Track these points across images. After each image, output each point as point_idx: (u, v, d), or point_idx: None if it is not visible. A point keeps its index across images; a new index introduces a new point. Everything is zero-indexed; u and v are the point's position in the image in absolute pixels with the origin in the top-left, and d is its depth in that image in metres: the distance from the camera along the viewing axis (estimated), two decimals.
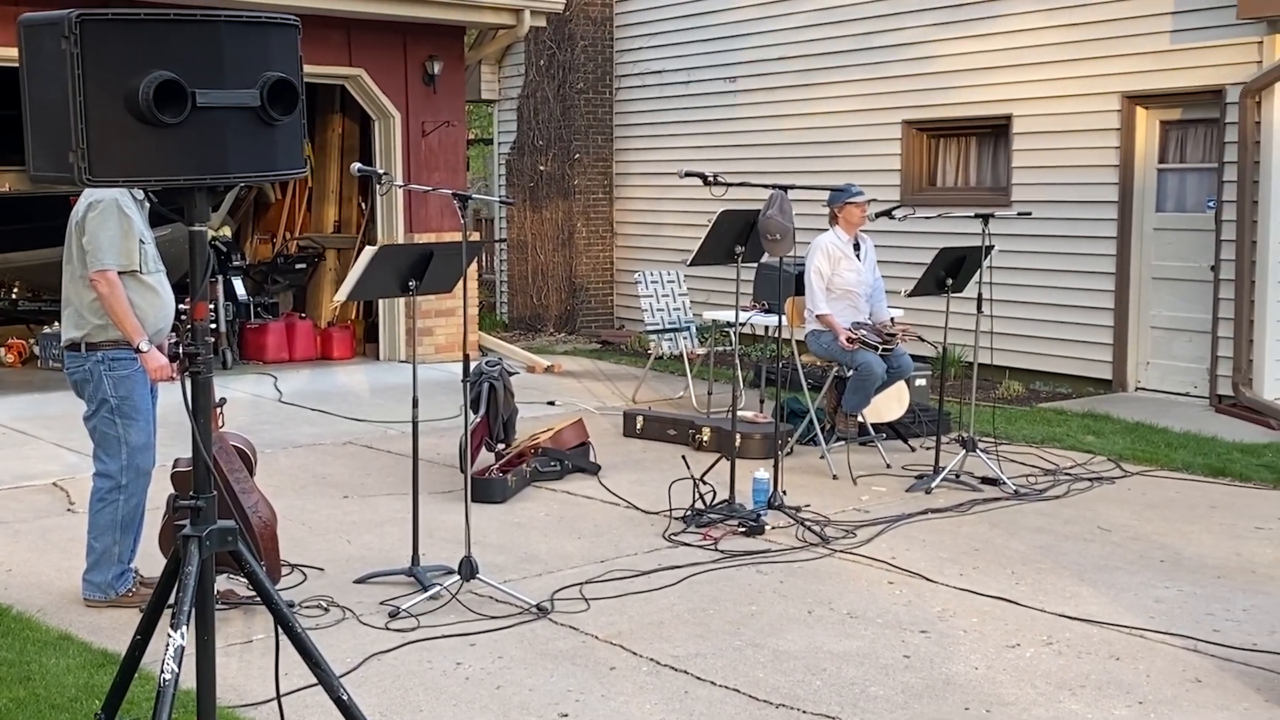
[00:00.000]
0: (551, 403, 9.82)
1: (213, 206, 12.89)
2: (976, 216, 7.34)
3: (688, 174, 6.31)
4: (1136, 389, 10.27)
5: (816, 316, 7.87)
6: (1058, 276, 10.53)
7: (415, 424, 5.39)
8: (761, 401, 9.05)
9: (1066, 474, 7.59)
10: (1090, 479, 7.49)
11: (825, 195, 8.02)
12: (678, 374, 10.94)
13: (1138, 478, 7.59)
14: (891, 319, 8.13)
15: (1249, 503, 6.97)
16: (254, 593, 3.86)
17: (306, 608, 5.06)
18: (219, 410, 5.10)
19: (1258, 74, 9.07)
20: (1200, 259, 9.81)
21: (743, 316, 9.00)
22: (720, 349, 10.71)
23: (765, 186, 6.60)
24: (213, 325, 11.08)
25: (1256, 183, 9.22)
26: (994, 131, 11.04)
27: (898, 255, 10.93)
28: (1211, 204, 9.71)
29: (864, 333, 7.73)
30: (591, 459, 7.56)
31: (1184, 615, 5.11)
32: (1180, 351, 10.00)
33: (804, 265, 8.04)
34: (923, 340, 8.21)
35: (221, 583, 4.97)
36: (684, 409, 9.53)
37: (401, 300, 11.25)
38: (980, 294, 7.41)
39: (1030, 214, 8.11)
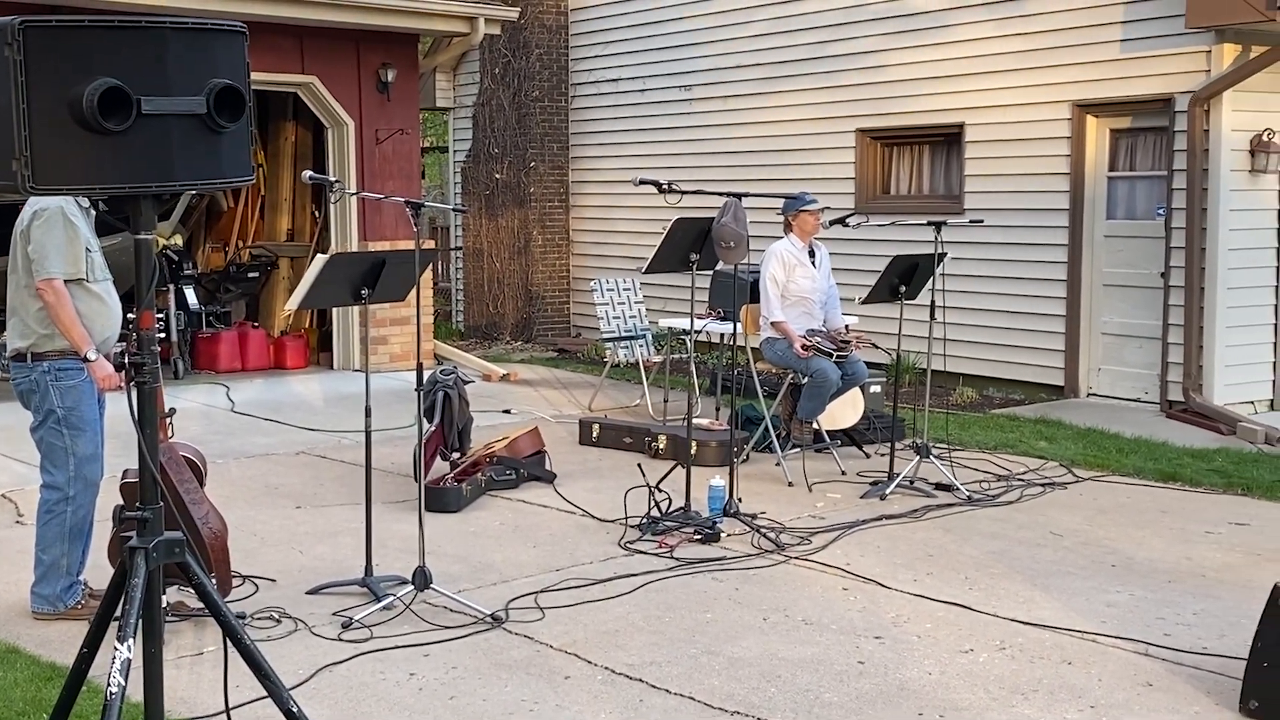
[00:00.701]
0: (507, 411, 9.80)
1: (163, 214, 12.74)
2: (929, 224, 7.35)
3: (642, 182, 6.31)
4: (1088, 395, 10.33)
5: (771, 324, 7.88)
6: (1010, 284, 10.60)
7: (368, 433, 5.36)
8: (717, 409, 9.06)
9: (1019, 480, 7.62)
10: (1043, 484, 7.51)
11: (780, 203, 8.05)
12: (634, 382, 10.92)
13: (1090, 483, 7.63)
14: (846, 326, 8.16)
15: (1199, 507, 7.01)
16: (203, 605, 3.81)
17: (258, 619, 5.02)
18: (168, 420, 5.06)
19: (1206, 82, 9.16)
20: (1150, 265, 9.88)
21: (698, 324, 9.02)
22: (676, 357, 10.71)
23: (720, 194, 6.60)
24: (161, 335, 10.96)
25: (1205, 190, 9.30)
26: (946, 140, 11.10)
27: (852, 263, 10.97)
28: (1161, 211, 9.78)
29: (819, 340, 7.75)
30: (547, 467, 7.53)
31: (1135, 619, 5.13)
32: (1131, 357, 10.03)
33: (759, 273, 8.05)
34: (877, 347, 8.25)
35: (173, 594, 4.93)
36: (640, 417, 9.53)
37: (356, 309, 11.21)
38: (933, 301, 7.40)
39: (982, 221, 8.15)
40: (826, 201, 8.30)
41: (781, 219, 8.08)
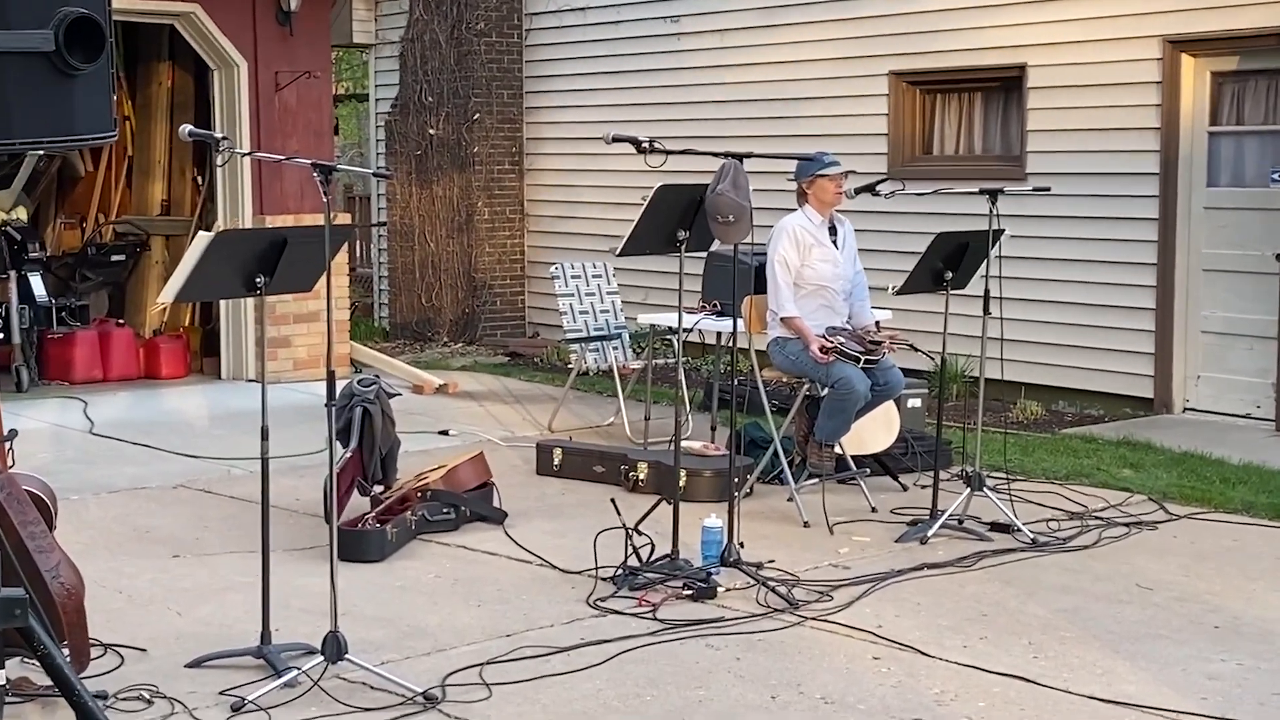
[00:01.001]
0: (445, 432, 9.84)
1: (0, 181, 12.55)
2: (982, 193, 7.34)
3: (616, 139, 6.35)
4: (1185, 410, 10.39)
5: (781, 320, 7.89)
6: (1085, 268, 10.65)
7: (265, 461, 5.34)
8: (713, 429, 8.92)
9: (1097, 517, 7.67)
10: (1127, 524, 7.55)
11: (791, 166, 8.03)
12: (606, 394, 10.90)
13: (1186, 522, 7.67)
14: (876, 323, 8.13)
15: None
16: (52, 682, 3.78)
17: (123, 700, 4.99)
18: (7, 446, 5.01)
19: None
20: (1263, 246, 9.93)
21: (688, 321, 8.85)
22: (660, 362, 10.70)
23: (715, 155, 6.61)
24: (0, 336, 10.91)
25: None
26: (1004, 86, 11.15)
27: (884, 242, 11.01)
28: (1277, 176, 9.84)
29: (842, 340, 7.74)
30: (495, 504, 7.56)
31: (1246, 696, 5.14)
32: (1239, 363, 10.11)
33: (765, 255, 8.05)
34: (916, 350, 8.23)
35: (14, 668, 4.88)
36: (615, 439, 9.53)
37: (249, 302, 11.15)
38: (988, 291, 7.38)
39: (1049, 190, 8.19)
40: (851, 164, 8.22)
41: (794, 186, 8.07)
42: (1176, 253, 10.30)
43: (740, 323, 7.49)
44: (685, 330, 8.11)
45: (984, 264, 7.54)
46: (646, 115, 13.01)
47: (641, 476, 8.14)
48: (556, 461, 8.57)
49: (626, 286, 11.51)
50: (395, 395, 7.74)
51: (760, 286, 8.20)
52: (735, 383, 7.11)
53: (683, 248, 6.68)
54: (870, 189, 7.73)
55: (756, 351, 8.65)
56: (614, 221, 12.92)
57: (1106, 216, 10.55)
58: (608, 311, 10.45)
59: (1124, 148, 10.43)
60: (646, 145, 6.31)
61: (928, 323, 10.22)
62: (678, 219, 6.69)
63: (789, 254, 7.90)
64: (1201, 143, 10.23)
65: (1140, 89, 10.32)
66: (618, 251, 6.89)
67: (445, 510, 7.30)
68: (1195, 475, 8.53)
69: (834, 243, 8.01)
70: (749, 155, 6.65)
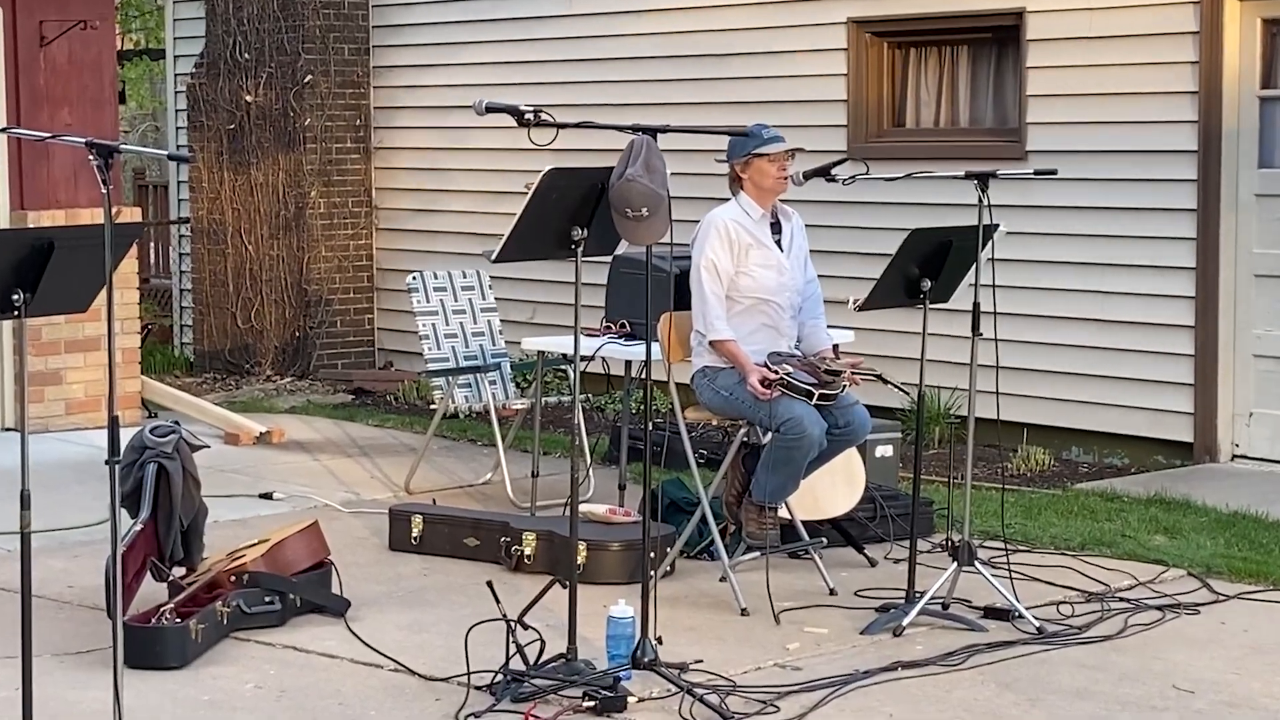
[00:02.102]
0: (268, 495, 9.83)
1: None
2: (969, 178, 7.36)
3: (491, 109, 6.36)
4: (1233, 457, 10.45)
5: (709, 345, 7.89)
6: (1103, 275, 10.70)
7: (26, 536, 5.27)
8: (621, 488, 9.03)
9: (1122, 599, 7.68)
10: (1161, 606, 7.55)
11: (722, 144, 8.00)
12: (482, 443, 10.91)
13: (1237, 603, 7.68)
14: (835, 347, 8.13)
15: None
16: None
17: None
18: None
19: None
20: None
21: (588, 346, 8.97)
22: (552, 400, 10.69)
23: (622, 129, 6.62)
24: None
25: None
26: (996, 39, 11.22)
27: (843, 241, 10.98)
28: None
29: (789, 370, 7.72)
30: (335, 590, 7.50)
31: None
32: None
33: (688, 259, 8.05)
34: (886, 382, 8.21)
35: None
36: (493, 502, 9.52)
37: (5, 327, 11.04)
38: (977, 305, 7.39)
39: (1055, 172, 8.17)
40: (800, 140, 8.23)
41: (725, 170, 8.06)
42: (1220, 253, 10.34)
43: (656, 348, 7.39)
44: (584, 359, 8.04)
45: (972, 270, 7.55)
46: (532, 77, 13.02)
47: (528, 552, 8.12)
48: (416, 533, 8.55)
49: (507, 302, 11.46)
50: (201, 448, 7.69)
51: (683, 300, 8.18)
52: (650, 427, 7.03)
53: (579, 251, 6.67)
54: (824, 172, 7.78)
55: (678, 385, 8.49)
56: (490, 217, 12.89)
57: (1130, 207, 10.59)
58: (482, 335, 10.42)
59: (1151, 117, 10.48)
60: (531, 117, 6.32)
61: (901, 346, 10.39)
62: (572, 214, 6.68)
63: (719, 257, 7.88)
64: (1251, 111, 10.27)
65: (1172, 42, 10.37)
66: (494, 256, 6.87)
67: (268, 599, 7.23)
68: (1248, 543, 8.55)
69: (778, 243, 8.01)
70: (665, 129, 6.62)
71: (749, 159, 7.91)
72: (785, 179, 7.95)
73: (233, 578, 7.25)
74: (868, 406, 8.05)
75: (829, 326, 8.26)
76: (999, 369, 7.83)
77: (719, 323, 7.87)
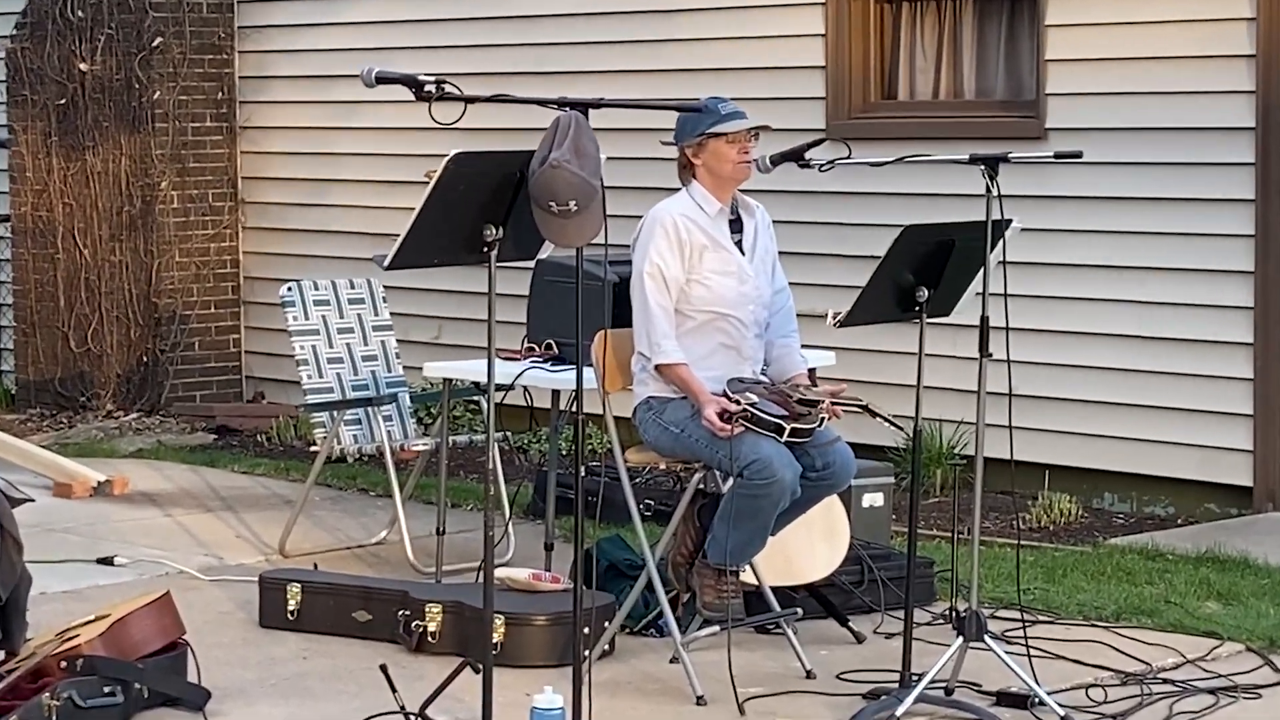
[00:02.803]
0: (108, 560, 9.78)
1: None
2: (975, 163, 7.34)
3: (383, 80, 6.34)
4: None
5: (656, 369, 7.88)
6: (1141, 281, 10.75)
7: None
8: (548, 548, 9.07)
9: (1166, 680, 7.68)
10: (1213, 689, 7.55)
11: (669, 121, 8.01)
12: (375, 493, 11.03)
13: None
14: (810, 372, 8.17)
15: None
16: None
17: None
18: None
19: None
20: None
21: (506, 372, 8.98)
22: (463, 439, 10.78)
23: (546, 104, 6.60)
24: None
25: None
26: None
27: (820, 241, 11.05)
28: None
29: (755, 400, 7.67)
30: (192, 677, 7.45)
31: None
32: None
33: (628, 265, 8.09)
34: (874, 415, 8.02)
35: None
36: (388, 567, 9.58)
37: None
38: (986, 320, 7.34)
39: (1080, 156, 8.13)
40: (766, 116, 8.18)
41: (674, 154, 8.02)
42: None
43: (590, 374, 7.50)
44: (501, 388, 8.15)
45: (979, 277, 7.54)
46: (435, 39, 13.14)
47: (432, 628, 8.12)
48: (293, 605, 8.55)
49: (406, 318, 11.58)
50: (24, 501, 7.70)
51: (622, 316, 8.19)
52: (583, 472, 6.93)
53: (493, 255, 6.68)
54: (796, 156, 7.77)
55: (617, 420, 8.39)
56: (383, 213, 12.96)
57: (1172, 197, 10.63)
58: (375, 359, 10.44)
59: (1199, 87, 10.52)
60: (432, 89, 6.31)
61: (892, 370, 10.36)
62: (484, 209, 6.71)
63: (667, 262, 7.84)
64: None
65: None
66: (387, 262, 6.93)
67: (108, 689, 7.13)
68: None
69: (739, 244, 8.01)
70: (599, 104, 6.64)
71: (703, 140, 7.89)
72: (748, 165, 7.94)
73: (64, 663, 7.17)
74: (852, 444, 8.03)
75: (803, 346, 8.26)
76: (1013, 397, 7.77)
77: (667, 342, 7.85)
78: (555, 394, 9.36)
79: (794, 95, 11.58)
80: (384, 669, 6.84)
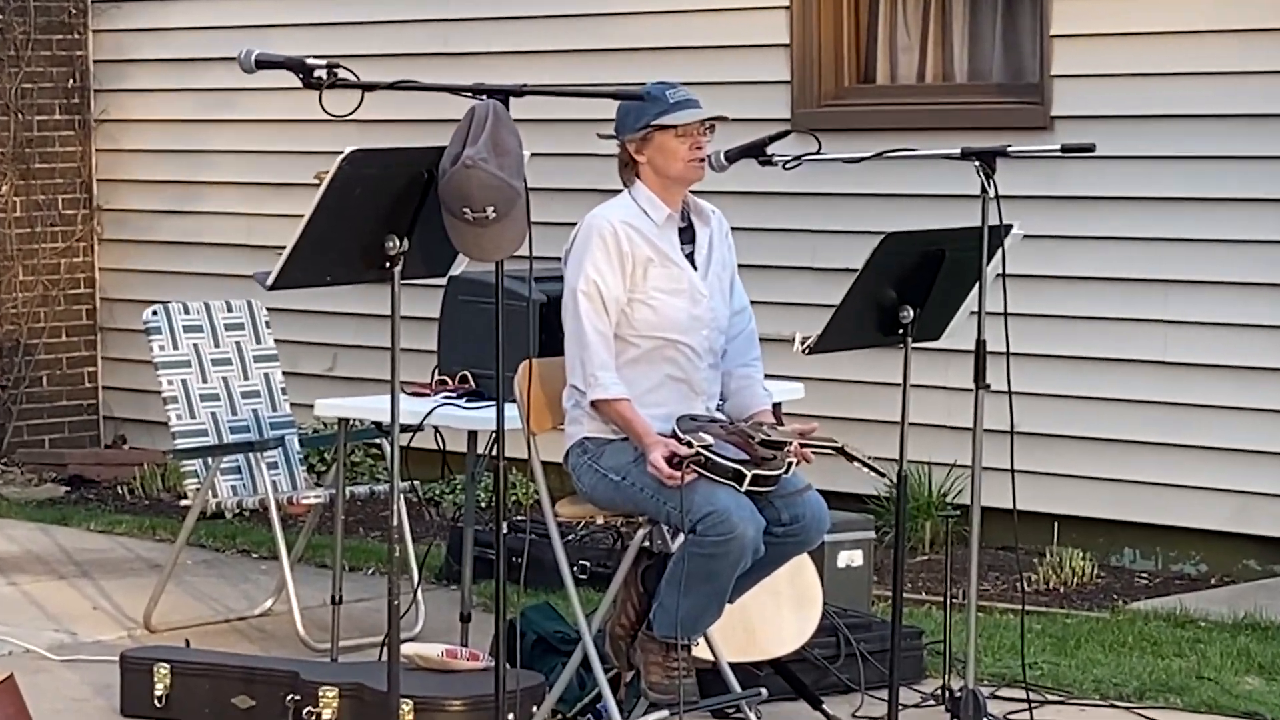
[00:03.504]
0: None
1: None
2: (967, 158, 7.41)
3: (264, 64, 6.38)
4: None
5: (591, 406, 7.86)
6: (1166, 297, 10.77)
7: None
8: (465, 619, 9.09)
9: None
10: None
11: (608, 112, 8.00)
12: (258, 555, 11.05)
13: None
14: (775, 407, 8.17)
15: None
16: None
17: None
18: None
19: None
20: None
21: (414, 409, 9.02)
22: (362, 490, 10.58)
23: (458, 91, 6.71)
24: None
25: None
26: None
27: (786, 252, 11.14)
28: None
29: (709, 440, 7.66)
30: None
31: None
32: None
33: (559, 284, 8.08)
34: (851, 458, 8.07)
35: None
36: (274, 642, 9.60)
37: None
38: (982, 344, 7.40)
39: (1093, 148, 8.14)
40: (721, 104, 8.14)
41: (615, 150, 8.02)
42: None
43: (514, 411, 7.46)
44: (407, 429, 8.09)
45: (974, 293, 7.62)
46: (326, 14, 13.18)
47: (327, 715, 8.13)
48: (161, 690, 8.51)
49: (294, 346, 11.71)
50: None
51: (552, 342, 8.27)
52: (506, 529, 6.96)
53: (397, 271, 6.74)
54: (757, 150, 7.80)
55: (547, 466, 8.38)
56: (265, 221, 13.02)
57: (1203, 198, 10.65)
58: (256, 396, 10.42)
59: (1236, 66, 10.52)
60: (323, 74, 6.33)
61: (872, 405, 10.51)
62: (386, 216, 6.74)
63: (604, 279, 7.81)
64: None
65: None
66: (270, 281, 6.93)
67: None
68: None
69: (690, 257, 8.00)
70: (522, 91, 6.67)
71: (647, 134, 7.86)
72: (701, 163, 7.91)
73: None
74: (825, 493, 7.98)
75: (767, 377, 8.23)
76: (1015, 435, 7.83)
77: (605, 374, 7.81)
78: (472, 435, 9.34)
79: (754, 79, 11.61)
80: None
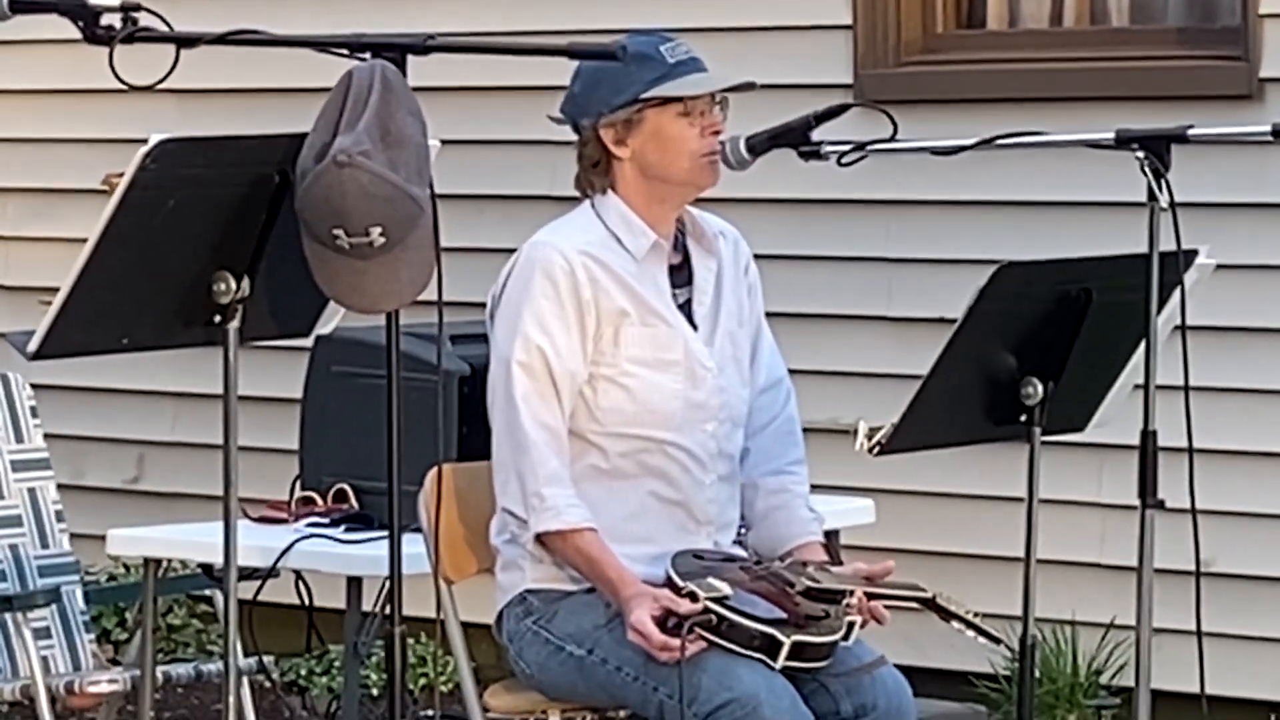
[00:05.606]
0: None
1: None
2: (1123, 145, 6.27)
3: (23, 7, 5.88)
4: None
5: (537, 539, 6.58)
6: None
7: None
8: None
9: None
10: None
11: (562, 76, 6.99)
12: None
13: None
14: (828, 539, 7.17)
15: None
16: None
17: None
18: None
19: None
20: None
21: (264, 543, 8.14)
22: (183, 670, 9.87)
23: (327, 49, 6.02)
24: None
25: None
26: None
27: (845, 294, 10.15)
28: None
29: (722, 591, 6.59)
30: None
31: None
32: None
33: (484, 346, 7.09)
34: (950, 617, 7.10)
35: None
36: None
37: None
38: (1151, 435, 6.16)
39: None
40: (746, 68, 7.33)
41: (573, 139, 6.88)
42: None
43: (418, 546, 6.73)
44: (252, 574, 7.73)
45: (1138, 357, 6.50)
46: None
47: None
48: None
49: (73, 444, 11.24)
50: None
51: (475, 437, 7.64)
52: None
53: (233, 328, 5.99)
54: (798, 136, 6.59)
55: (469, 630, 7.50)
56: (24, 251, 12.17)
57: None
58: (16, 525, 9.41)
59: None
60: (116, 22, 5.66)
61: (978, 533, 9.89)
62: (213, 245, 6.00)
63: (555, 342, 6.61)
64: None
65: None
66: (33, 345, 6.00)
67: None
68: None
69: (686, 308, 6.69)
70: (428, 47, 5.98)
71: (635, 113, 6.59)
72: (715, 159, 6.54)
73: None
74: (908, 670, 6.81)
75: (815, 490, 6.97)
76: (1201, 577, 6.63)
77: (554, 492, 6.55)
78: (354, 585, 8.01)
79: (795, 23, 10.29)
80: None
